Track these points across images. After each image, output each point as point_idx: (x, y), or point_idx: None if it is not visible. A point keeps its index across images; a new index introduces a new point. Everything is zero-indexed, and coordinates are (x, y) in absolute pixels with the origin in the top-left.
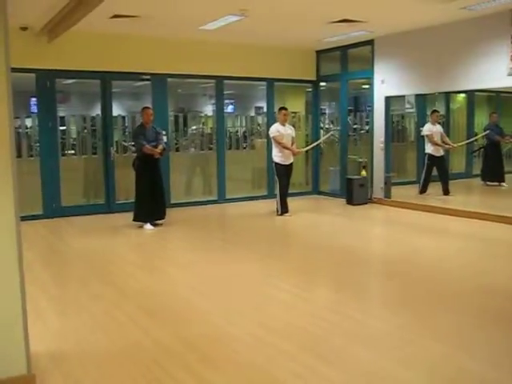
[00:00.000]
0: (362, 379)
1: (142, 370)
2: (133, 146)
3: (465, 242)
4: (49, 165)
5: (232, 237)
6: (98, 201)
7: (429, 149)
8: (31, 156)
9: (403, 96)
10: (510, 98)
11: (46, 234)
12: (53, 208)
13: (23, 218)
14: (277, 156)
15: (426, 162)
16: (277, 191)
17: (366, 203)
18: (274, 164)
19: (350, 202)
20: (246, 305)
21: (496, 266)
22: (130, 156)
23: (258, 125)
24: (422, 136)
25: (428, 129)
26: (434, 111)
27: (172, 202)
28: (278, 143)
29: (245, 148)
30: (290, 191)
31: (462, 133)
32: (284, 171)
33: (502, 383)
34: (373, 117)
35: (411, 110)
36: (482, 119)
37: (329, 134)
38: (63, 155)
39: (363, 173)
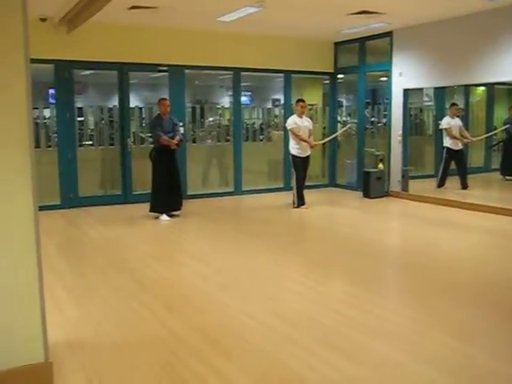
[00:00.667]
0: (373, 371)
1: (158, 361)
2: (150, 137)
3: (481, 237)
4: (66, 155)
5: (248, 229)
6: (115, 191)
7: (447, 142)
8: (49, 146)
9: (421, 89)
10: None
11: (63, 224)
12: (70, 198)
13: (41, 208)
14: (294, 148)
15: (444, 155)
16: (293, 183)
17: (383, 196)
18: (290, 156)
19: (367, 195)
20: (261, 296)
21: (510, 261)
22: (147, 147)
23: (275, 117)
24: (441, 129)
25: (447, 122)
26: (453, 104)
27: (188, 193)
28: (295, 135)
29: (261, 140)
30: (306, 183)
31: (481, 126)
32: (301, 163)
33: (505, 374)
34: (390, 110)
35: (429, 103)
36: (501, 113)
37: (346, 127)
38: (81, 146)
39: (380, 166)
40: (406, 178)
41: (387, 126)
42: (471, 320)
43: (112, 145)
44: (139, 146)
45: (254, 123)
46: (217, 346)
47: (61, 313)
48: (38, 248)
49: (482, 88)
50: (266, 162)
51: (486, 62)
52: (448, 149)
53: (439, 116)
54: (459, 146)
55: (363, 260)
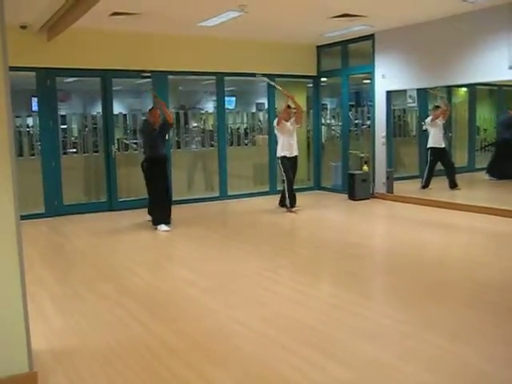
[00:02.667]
0: (364, 374)
1: (145, 368)
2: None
3: (469, 237)
4: (50, 163)
5: (235, 233)
6: (100, 199)
7: (431, 142)
8: (33, 155)
9: (404, 90)
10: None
11: (47, 232)
12: (55, 206)
13: (25, 217)
14: (281, 150)
15: (429, 157)
16: (285, 186)
17: (368, 198)
18: (279, 160)
19: (352, 197)
20: (249, 301)
21: (499, 260)
22: (132, 154)
23: (259, 121)
24: (424, 130)
25: (430, 120)
26: (436, 107)
27: (174, 199)
28: (281, 126)
29: (246, 144)
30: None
31: (464, 126)
32: (289, 164)
33: (497, 376)
34: (374, 112)
35: (413, 105)
36: (484, 113)
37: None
38: (64, 154)
39: (365, 168)
40: (390, 179)
41: (371, 127)
42: (463, 321)
43: (96, 152)
44: (123, 153)
45: (238, 128)
46: (204, 352)
47: (46, 321)
48: (20, 257)
49: (465, 89)
50: (251, 167)
51: (467, 63)
52: (432, 149)
53: (422, 117)
54: (442, 143)
55: (351, 263)
